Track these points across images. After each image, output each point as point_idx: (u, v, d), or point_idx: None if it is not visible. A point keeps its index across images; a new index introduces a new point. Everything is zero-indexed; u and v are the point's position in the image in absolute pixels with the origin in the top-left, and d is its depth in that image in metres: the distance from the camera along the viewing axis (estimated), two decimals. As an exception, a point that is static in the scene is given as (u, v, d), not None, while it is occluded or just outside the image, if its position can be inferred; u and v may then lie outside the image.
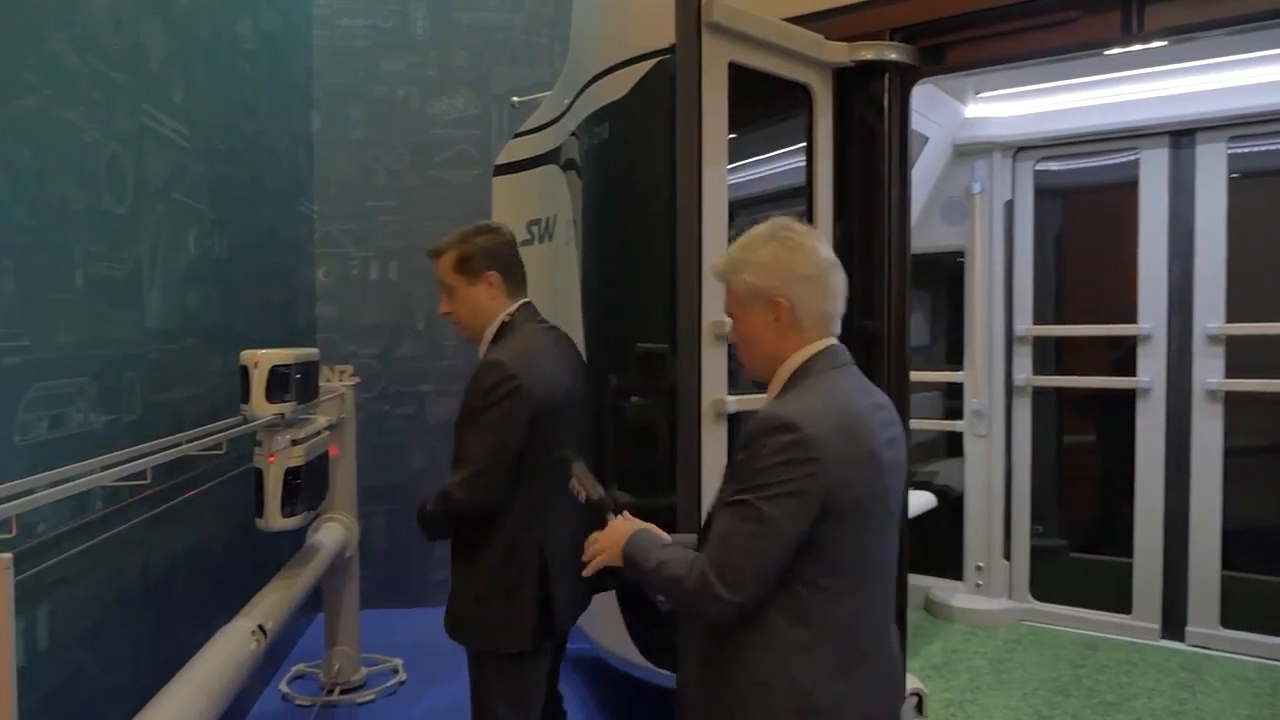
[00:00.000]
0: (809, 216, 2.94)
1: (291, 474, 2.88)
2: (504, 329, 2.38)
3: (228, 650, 2.41)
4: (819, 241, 1.66)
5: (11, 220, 2.04)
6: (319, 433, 3.18)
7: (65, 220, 2.30)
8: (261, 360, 2.79)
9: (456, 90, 5.28)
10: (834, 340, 1.66)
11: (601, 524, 1.77)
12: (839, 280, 1.66)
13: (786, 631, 1.51)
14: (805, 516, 1.46)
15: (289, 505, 2.86)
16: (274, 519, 2.80)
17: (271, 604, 2.81)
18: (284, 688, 4.05)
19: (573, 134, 3.84)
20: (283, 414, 2.83)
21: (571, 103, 3.83)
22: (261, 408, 2.78)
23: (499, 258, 2.38)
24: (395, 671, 4.24)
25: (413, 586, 5.24)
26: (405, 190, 5.25)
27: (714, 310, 2.51)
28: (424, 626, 4.87)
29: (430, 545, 5.22)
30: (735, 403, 2.53)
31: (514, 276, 2.43)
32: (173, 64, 3.02)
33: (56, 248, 2.25)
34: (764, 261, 1.62)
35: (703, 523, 1.71)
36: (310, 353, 3.13)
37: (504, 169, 4.61)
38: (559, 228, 4.06)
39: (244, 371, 2.81)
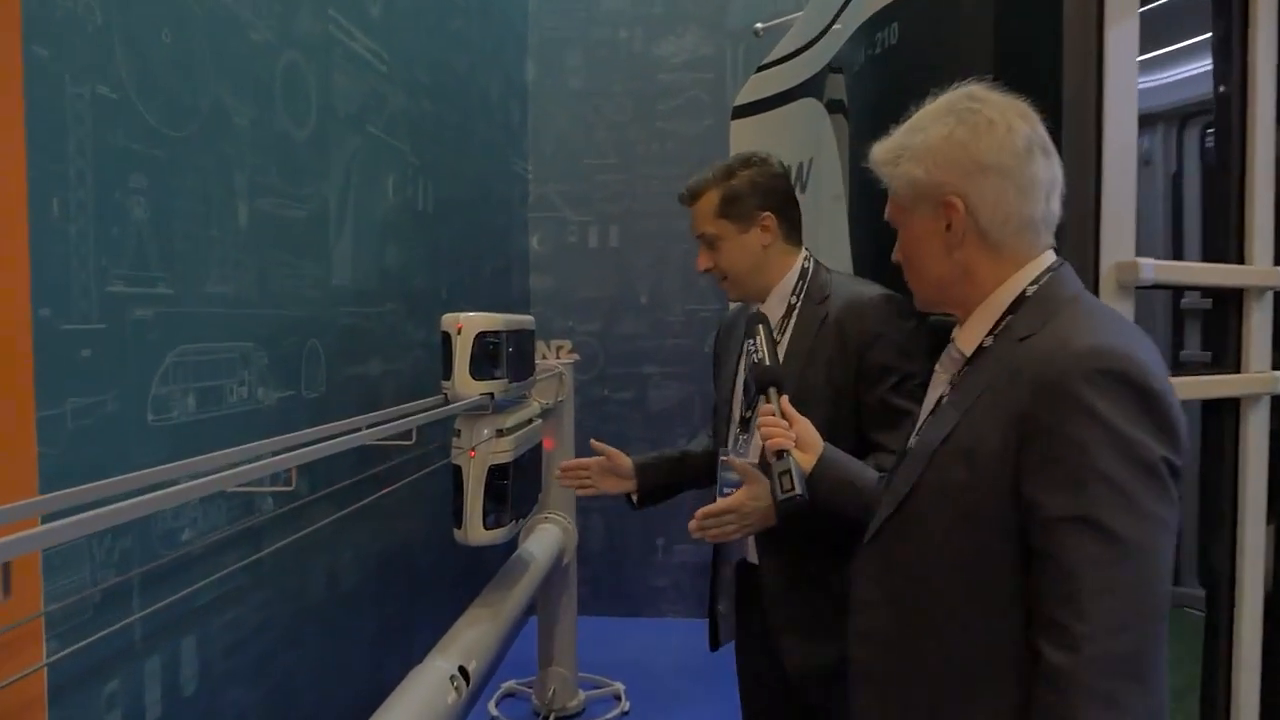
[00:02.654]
0: (1239, 126, 1.98)
1: (497, 473, 2.27)
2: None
3: (419, 705, 1.82)
4: (1022, 117, 1.13)
5: (141, 123, 1.51)
6: (530, 421, 2.57)
7: (223, 135, 1.77)
8: (466, 326, 2.19)
9: (685, 28, 4.58)
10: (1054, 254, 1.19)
11: (762, 390, 1.51)
12: (1047, 173, 1.14)
13: None
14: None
15: (493, 513, 2.26)
16: (475, 531, 2.20)
17: (474, 638, 2.21)
18: (493, 709, 3.53)
19: (831, 69, 3.05)
20: (492, 394, 2.22)
21: (835, 16, 3.03)
22: (466, 385, 2.18)
23: (774, 194, 1.83)
24: (618, 699, 3.62)
25: (631, 594, 4.63)
26: (627, 144, 4.61)
27: (1118, 247, 1.64)
28: (645, 641, 4.28)
29: (654, 548, 4.63)
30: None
31: (791, 218, 1.86)
32: (369, -31, 2.49)
33: (210, 169, 1.72)
34: (932, 145, 1.14)
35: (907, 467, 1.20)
36: (524, 320, 2.52)
37: (745, 110, 3.86)
38: (821, 176, 3.25)
39: (445, 340, 2.23)
